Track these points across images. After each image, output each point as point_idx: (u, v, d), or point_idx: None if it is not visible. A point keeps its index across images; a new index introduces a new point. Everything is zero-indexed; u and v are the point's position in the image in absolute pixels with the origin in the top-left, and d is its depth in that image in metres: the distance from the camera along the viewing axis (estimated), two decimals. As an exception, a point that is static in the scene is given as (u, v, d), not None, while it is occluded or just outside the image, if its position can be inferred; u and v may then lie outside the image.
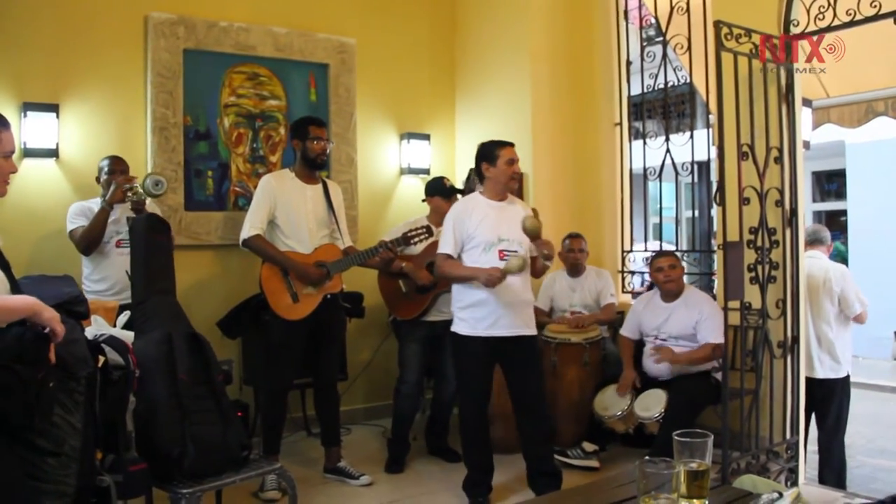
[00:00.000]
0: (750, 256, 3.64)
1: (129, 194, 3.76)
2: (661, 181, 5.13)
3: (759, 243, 3.66)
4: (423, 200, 4.49)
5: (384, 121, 5.44)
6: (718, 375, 3.96)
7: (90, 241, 3.82)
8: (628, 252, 5.32)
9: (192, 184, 4.66)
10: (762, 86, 3.72)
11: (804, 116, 4.18)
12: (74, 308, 2.20)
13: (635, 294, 5.20)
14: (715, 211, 4.26)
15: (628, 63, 5.27)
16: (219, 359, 3.01)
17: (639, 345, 4.37)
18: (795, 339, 3.86)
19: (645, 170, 5.19)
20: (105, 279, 3.88)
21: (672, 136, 4.98)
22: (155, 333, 2.85)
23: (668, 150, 4.99)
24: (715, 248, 4.60)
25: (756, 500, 1.83)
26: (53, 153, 4.20)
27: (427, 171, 5.46)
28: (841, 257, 9.42)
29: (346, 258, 3.99)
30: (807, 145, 4.46)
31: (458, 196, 4.25)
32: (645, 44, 5.19)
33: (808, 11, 3.66)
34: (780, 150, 3.80)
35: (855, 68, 5.05)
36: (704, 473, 1.66)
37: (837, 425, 4.25)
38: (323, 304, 3.93)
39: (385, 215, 5.37)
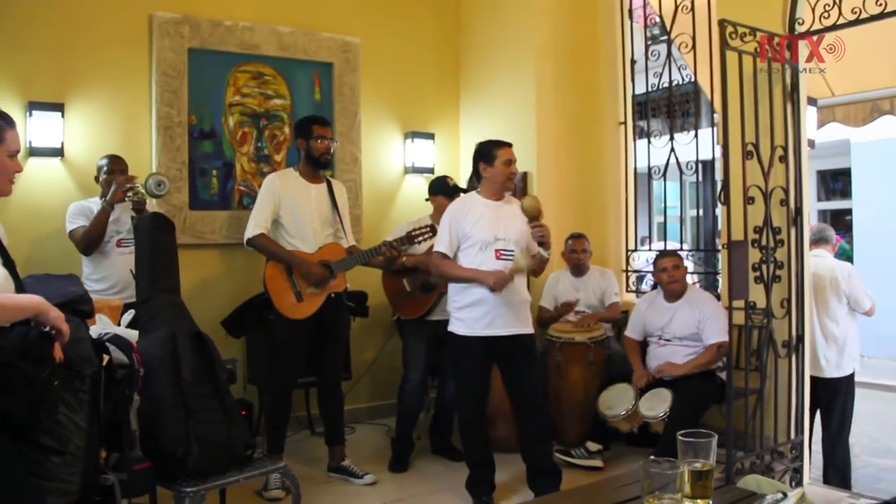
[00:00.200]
0: (754, 256, 3.63)
1: (130, 194, 3.76)
2: (665, 180, 5.12)
3: (763, 242, 3.65)
4: (427, 199, 4.50)
5: (388, 120, 5.45)
6: (723, 375, 3.96)
7: (91, 241, 3.83)
8: (632, 251, 5.32)
9: (197, 183, 4.67)
10: (767, 84, 3.71)
11: (809, 115, 4.17)
12: (79, 307, 2.21)
13: (640, 294, 5.19)
14: (719, 210, 4.25)
15: (633, 62, 5.27)
16: (223, 358, 3.01)
17: (643, 343, 4.37)
18: (800, 339, 3.85)
19: (649, 169, 5.18)
20: (105, 279, 3.88)
21: (676, 135, 4.97)
22: (159, 332, 2.85)
23: (672, 150, 4.99)
24: (719, 247, 4.60)
25: (760, 500, 1.83)
26: (58, 152, 4.21)
27: (431, 171, 5.46)
28: (846, 256, 9.40)
29: (350, 257, 4.00)
30: (812, 144, 4.45)
31: (462, 195, 4.24)
32: (649, 43, 5.18)
33: (813, 10, 3.65)
34: (785, 149, 3.79)
35: (860, 67, 5.03)
36: (709, 473, 1.66)
37: (842, 425, 4.24)
38: (327, 303, 3.93)
39: (389, 214, 5.37)
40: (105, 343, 2.49)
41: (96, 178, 4.00)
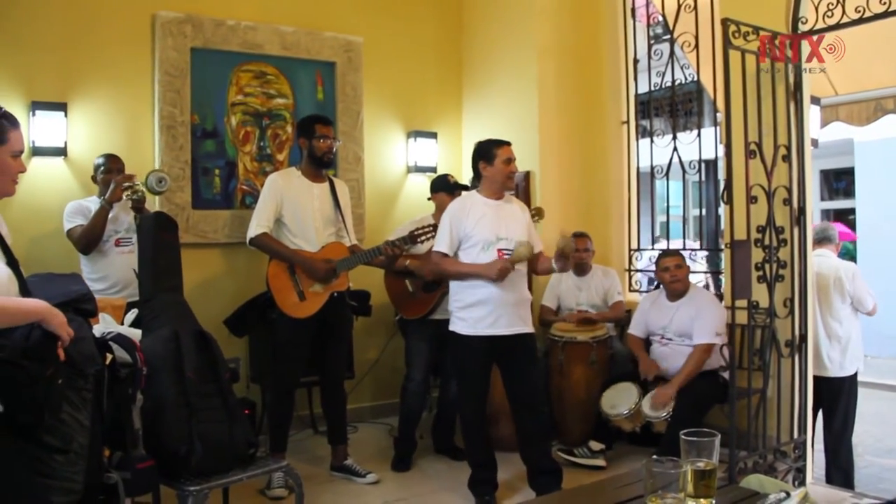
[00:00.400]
0: (757, 255, 3.63)
1: (129, 192, 3.76)
2: (668, 179, 5.11)
3: (766, 242, 3.65)
4: (429, 198, 4.50)
5: (391, 119, 5.45)
6: (726, 375, 3.95)
7: (90, 240, 3.83)
8: (635, 251, 5.32)
9: (200, 182, 4.68)
10: (770, 83, 3.70)
11: (812, 114, 4.16)
12: (83, 306, 2.21)
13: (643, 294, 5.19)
14: (722, 209, 4.25)
15: (635, 61, 5.26)
16: (226, 357, 3.02)
17: (646, 341, 4.37)
18: (803, 338, 3.84)
19: (652, 168, 5.18)
20: (105, 278, 3.88)
21: (679, 135, 4.97)
22: (162, 331, 2.86)
23: (675, 149, 4.98)
24: (722, 246, 4.59)
25: (763, 499, 1.82)
26: (62, 152, 4.22)
27: (434, 170, 5.46)
28: (849, 256, 9.38)
29: (353, 256, 4.00)
30: (815, 143, 4.45)
31: (463, 192, 4.24)
32: (652, 42, 5.17)
33: (816, 9, 3.64)
34: (788, 148, 3.78)
35: (864, 66, 5.03)
36: (711, 473, 1.66)
37: (845, 424, 4.24)
38: (330, 303, 3.93)
39: (392, 213, 5.38)
40: (108, 342, 2.49)
41: (93, 178, 4.00)
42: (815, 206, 10.50)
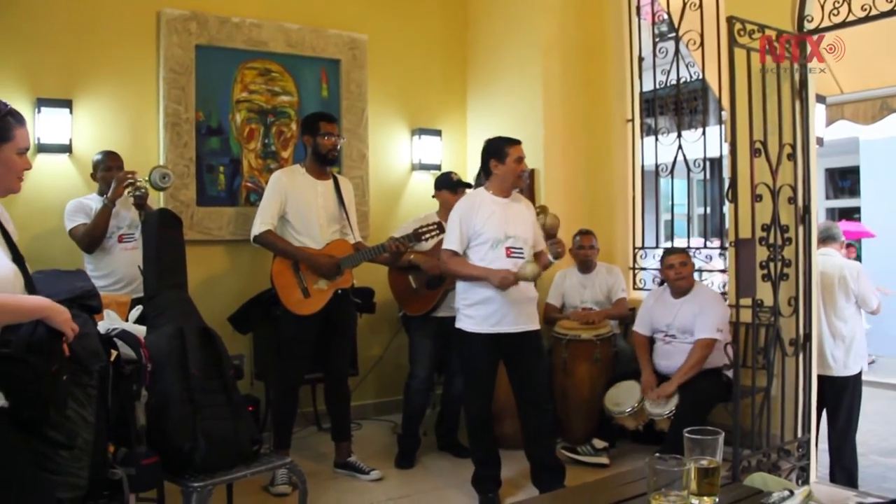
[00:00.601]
0: (762, 254, 3.62)
1: (130, 189, 3.77)
2: (672, 178, 5.10)
3: (771, 240, 3.64)
4: (433, 196, 4.50)
5: (395, 117, 5.45)
6: (729, 373, 3.94)
7: (93, 239, 3.83)
8: (640, 249, 5.31)
9: (204, 179, 4.68)
10: (775, 82, 3.69)
11: (818, 113, 4.16)
12: (87, 302, 2.22)
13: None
14: (727, 208, 4.24)
15: (640, 59, 5.24)
16: (230, 353, 3.02)
17: (650, 339, 4.36)
18: (808, 337, 3.84)
19: (657, 166, 5.16)
20: (108, 275, 3.88)
21: (684, 133, 4.95)
22: (167, 328, 2.86)
23: (680, 147, 4.97)
24: (727, 244, 4.58)
25: (767, 498, 1.82)
26: (67, 149, 4.23)
27: (438, 167, 5.45)
28: (854, 255, 9.35)
29: (357, 253, 4.00)
30: (820, 142, 4.44)
31: (466, 190, 4.25)
32: (657, 40, 5.16)
33: (822, 7, 3.63)
34: (794, 147, 3.77)
35: (869, 64, 5.01)
36: (715, 471, 1.66)
37: (849, 423, 4.23)
38: (334, 300, 3.94)
39: (396, 211, 5.38)
40: (113, 338, 2.50)
41: (93, 176, 4.00)
42: (820, 204, 10.48)
